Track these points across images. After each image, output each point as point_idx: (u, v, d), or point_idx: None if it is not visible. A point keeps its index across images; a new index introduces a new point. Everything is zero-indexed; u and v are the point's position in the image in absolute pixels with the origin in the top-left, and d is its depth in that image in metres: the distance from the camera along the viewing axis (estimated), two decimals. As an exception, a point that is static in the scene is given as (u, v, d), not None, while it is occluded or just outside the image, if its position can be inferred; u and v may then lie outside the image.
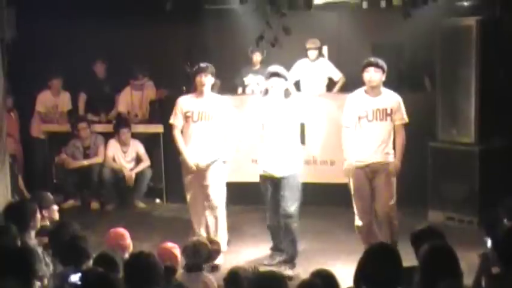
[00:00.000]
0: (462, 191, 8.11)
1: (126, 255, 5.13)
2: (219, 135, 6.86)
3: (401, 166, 6.59)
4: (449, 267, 4.02)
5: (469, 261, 4.97)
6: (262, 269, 5.21)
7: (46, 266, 5.18)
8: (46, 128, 9.84)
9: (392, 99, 6.57)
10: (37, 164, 9.94)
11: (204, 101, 6.87)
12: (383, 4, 9.36)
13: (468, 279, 4.41)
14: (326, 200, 8.42)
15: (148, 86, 9.82)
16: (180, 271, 5.26)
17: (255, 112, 6.71)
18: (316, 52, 9.52)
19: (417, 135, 7.84)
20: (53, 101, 9.96)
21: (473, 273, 4.74)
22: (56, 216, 6.08)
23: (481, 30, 7.97)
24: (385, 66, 6.54)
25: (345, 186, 6.82)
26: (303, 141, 6.95)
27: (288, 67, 8.41)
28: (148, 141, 9.51)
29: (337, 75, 9.55)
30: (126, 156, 9.40)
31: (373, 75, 6.49)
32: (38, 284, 4.70)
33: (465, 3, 8.93)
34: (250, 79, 9.66)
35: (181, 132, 6.96)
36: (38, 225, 5.55)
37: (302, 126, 6.95)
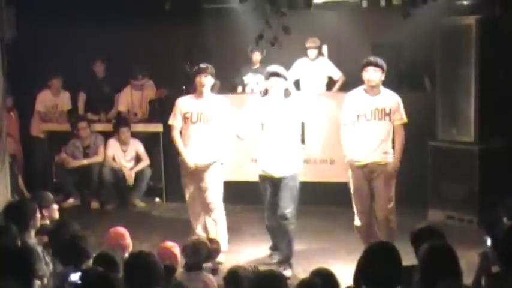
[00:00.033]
0: (462, 190, 8.11)
1: (126, 255, 5.13)
2: (217, 137, 6.83)
3: (400, 166, 6.58)
4: (449, 267, 4.01)
5: (468, 261, 4.97)
6: (261, 268, 5.21)
7: (46, 265, 5.18)
8: (46, 128, 9.85)
9: (391, 99, 6.57)
10: (37, 164, 9.94)
11: (204, 102, 6.85)
12: (383, 3, 9.35)
13: (468, 279, 4.41)
14: (326, 199, 8.43)
15: (149, 86, 9.83)
16: (179, 270, 5.27)
17: (255, 111, 6.69)
18: (315, 51, 9.52)
19: (417, 135, 7.83)
20: (52, 100, 9.97)
21: (473, 272, 4.73)
22: (56, 215, 6.09)
23: (480, 29, 7.97)
24: (384, 65, 6.54)
25: (345, 185, 6.82)
26: (302, 141, 6.95)
27: (288, 66, 8.41)
28: (148, 140, 9.52)
29: (337, 75, 9.55)
30: (125, 156, 9.40)
31: (373, 75, 6.49)
32: (38, 283, 4.70)
33: (465, 2, 8.93)
34: (249, 78, 9.66)
35: (180, 133, 6.95)
36: (38, 224, 5.56)
37: (302, 125, 6.95)
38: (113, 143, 9.41)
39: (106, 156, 9.38)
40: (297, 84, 9.41)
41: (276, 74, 6.59)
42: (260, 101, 6.72)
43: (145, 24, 9.66)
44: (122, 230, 5.66)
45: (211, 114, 6.81)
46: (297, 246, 6.98)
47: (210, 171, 6.83)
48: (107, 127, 9.63)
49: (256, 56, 9.59)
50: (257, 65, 9.61)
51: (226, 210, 7.02)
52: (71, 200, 9.30)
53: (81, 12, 9.49)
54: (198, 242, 5.43)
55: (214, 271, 5.89)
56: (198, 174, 6.85)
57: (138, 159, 9.44)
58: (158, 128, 9.17)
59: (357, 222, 6.68)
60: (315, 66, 9.55)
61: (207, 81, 6.83)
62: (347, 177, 6.74)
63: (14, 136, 9.51)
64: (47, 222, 5.89)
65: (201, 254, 5.30)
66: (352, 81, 7.94)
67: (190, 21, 9.66)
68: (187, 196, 7.03)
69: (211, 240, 5.98)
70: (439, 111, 8.35)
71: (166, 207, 9.13)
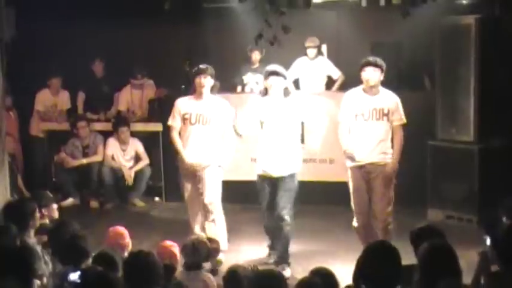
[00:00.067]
0: (461, 189, 8.12)
1: (126, 254, 5.13)
2: (216, 138, 6.80)
3: (399, 166, 6.56)
4: (448, 266, 4.01)
5: (468, 260, 4.97)
6: (261, 267, 5.21)
7: (45, 264, 5.18)
8: (45, 127, 9.85)
9: (390, 100, 6.55)
10: (36, 163, 9.94)
11: (203, 103, 6.82)
12: (382, 2, 9.35)
13: (467, 278, 4.41)
14: (325, 198, 8.43)
15: (148, 85, 9.84)
16: (179, 270, 5.27)
17: (255, 111, 6.69)
18: (315, 50, 9.53)
19: (416, 134, 7.84)
20: (52, 100, 9.97)
21: (472, 271, 4.73)
22: (56, 214, 6.10)
23: (480, 29, 7.97)
24: (383, 65, 6.52)
25: (344, 184, 6.82)
26: (302, 140, 6.94)
27: (287, 65, 8.42)
28: (148, 139, 9.52)
29: (336, 74, 9.55)
30: (125, 155, 9.40)
31: (371, 75, 6.48)
32: (37, 282, 4.70)
33: (464, 2, 8.93)
34: (249, 78, 9.66)
35: (180, 134, 6.93)
36: (37, 224, 5.56)
37: (301, 125, 6.94)
38: (112, 142, 9.41)
39: (105, 156, 9.38)
40: (296, 83, 9.41)
41: (275, 73, 6.59)
42: (260, 100, 6.72)
43: (145, 23, 9.65)
44: (121, 229, 5.66)
45: (210, 115, 6.78)
46: (296, 245, 6.99)
47: (208, 172, 6.80)
48: (106, 126, 9.63)
49: (256, 56, 9.59)
50: (256, 65, 9.61)
51: (226, 210, 7.01)
52: (70, 200, 9.29)
53: (81, 11, 9.49)
54: (198, 241, 5.43)
55: (214, 271, 5.90)
56: (196, 175, 6.83)
57: (137, 158, 9.44)
58: (157, 127, 9.17)
59: (355, 223, 6.68)
60: (315, 66, 9.55)
61: (206, 82, 6.80)
62: (347, 176, 6.73)
63: (13, 135, 9.51)
64: (47, 221, 5.89)
65: (201, 253, 5.30)
66: (351, 81, 7.94)
67: (190, 20, 9.66)
68: (186, 196, 7.03)
69: (211, 240, 5.98)
70: (438, 111, 8.35)
71: (166, 206, 9.13)
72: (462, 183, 8.10)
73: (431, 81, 8.93)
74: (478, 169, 7.99)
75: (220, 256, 6.50)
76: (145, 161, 9.42)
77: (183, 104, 6.89)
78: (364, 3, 9.60)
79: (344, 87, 8.90)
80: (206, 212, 6.85)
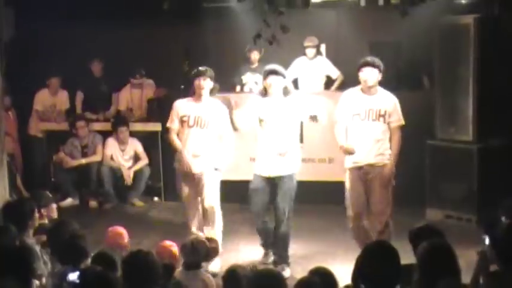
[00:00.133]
0: (460, 189, 8.12)
1: (125, 254, 5.12)
2: (213, 142, 6.74)
3: (398, 166, 6.54)
4: (447, 265, 4.02)
5: (467, 259, 4.97)
6: (260, 267, 5.22)
7: (44, 264, 5.18)
8: (44, 127, 9.85)
9: (388, 101, 6.52)
10: (35, 163, 9.94)
11: (202, 106, 6.75)
12: (381, 2, 9.37)
13: (466, 277, 4.41)
14: (324, 198, 8.43)
15: (148, 85, 9.84)
16: (178, 269, 5.27)
17: (254, 110, 6.67)
18: (314, 50, 9.52)
19: (415, 134, 7.84)
20: (51, 99, 9.97)
21: (471, 271, 4.73)
22: (55, 214, 6.10)
23: (479, 28, 7.98)
24: (381, 65, 6.50)
25: (343, 184, 6.81)
26: (301, 140, 6.94)
27: (286, 65, 8.41)
28: (147, 139, 9.51)
29: (335, 73, 9.55)
30: (124, 155, 9.40)
31: (369, 75, 6.46)
32: (36, 282, 4.69)
33: (463, 1, 8.93)
34: (248, 77, 9.65)
35: (178, 136, 6.88)
36: (36, 224, 5.55)
37: (300, 124, 6.94)
38: (111, 142, 9.41)
39: (104, 156, 9.38)
40: (295, 83, 9.41)
41: (274, 73, 6.58)
42: (259, 100, 6.70)
43: (144, 23, 9.65)
44: (120, 229, 5.67)
45: (209, 118, 6.71)
46: (296, 245, 6.99)
47: (207, 176, 6.74)
48: (106, 126, 9.63)
49: (255, 55, 9.58)
50: (255, 64, 9.60)
51: (224, 210, 7.00)
52: (69, 199, 9.29)
53: (80, 11, 9.49)
54: (197, 241, 5.43)
55: (214, 274, 5.90)
56: (194, 177, 6.77)
57: (136, 158, 9.44)
58: (156, 127, 9.17)
59: (349, 224, 6.69)
60: (313, 65, 9.55)
61: (206, 84, 6.72)
62: (345, 176, 6.73)
63: (12, 135, 9.51)
64: (46, 221, 5.89)
65: (200, 253, 5.30)
66: (350, 80, 7.94)
67: (189, 20, 9.65)
68: (183, 197, 6.96)
69: (210, 240, 5.98)
70: (437, 111, 8.36)
71: (165, 206, 9.13)
72: (461, 182, 8.11)
73: (430, 81, 8.93)
74: (477, 169, 7.99)
75: (216, 264, 6.47)
76: (144, 160, 9.42)
77: (181, 106, 6.82)
78: (363, 2, 9.62)
79: (343, 86, 8.89)
80: (205, 215, 6.82)
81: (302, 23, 9.17)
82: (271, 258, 6.83)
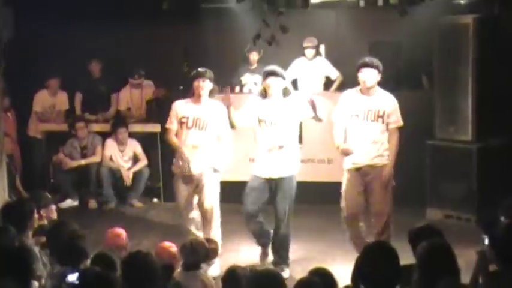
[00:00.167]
0: (460, 189, 8.12)
1: (124, 255, 5.12)
2: (212, 143, 6.71)
3: (396, 166, 6.53)
4: (447, 265, 4.02)
5: (466, 259, 4.97)
6: (259, 267, 5.21)
7: (43, 265, 5.17)
8: (43, 128, 9.86)
9: (387, 101, 6.50)
10: (34, 164, 9.94)
11: (201, 107, 6.71)
12: (380, 2, 9.37)
13: (466, 277, 4.41)
14: (324, 198, 8.42)
15: (147, 85, 9.84)
16: (178, 270, 5.26)
17: (253, 110, 6.65)
18: (313, 51, 9.52)
19: (415, 134, 7.85)
20: (50, 100, 9.97)
21: (471, 270, 4.73)
22: (54, 215, 6.09)
23: (478, 28, 7.98)
24: (380, 65, 6.47)
25: (343, 184, 6.81)
26: (300, 140, 6.93)
27: (285, 66, 8.42)
28: (146, 140, 9.51)
29: (335, 74, 9.55)
30: (123, 156, 9.40)
31: (368, 76, 6.44)
32: (35, 283, 4.69)
33: (462, 1, 8.93)
34: (247, 78, 9.65)
35: (176, 136, 6.84)
36: (35, 224, 5.55)
37: (300, 125, 6.93)
38: (110, 143, 9.41)
39: (104, 157, 9.38)
40: (294, 84, 9.40)
41: (273, 74, 6.56)
42: (259, 101, 6.68)
43: (143, 24, 9.65)
44: (119, 230, 5.67)
45: (208, 120, 6.67)
46: (295, 245, 6.98)
47: (206, 178, 6.70)
48: (105, 127, 9.63)
49: (254, 56, 9.58)
50: (255, 65, 9.59)
51: (224, 210, 6.99)
52: (68, 201, 9.29)
53: (79, 12, 9.48)
54: (196, 241, 5.43)
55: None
56: (193, 178, 6.72)
57: (135, 159, 9.44)
58: (156, 128, 9.17)
59: (344, 225, 6.68)
60: (313, 66, 9.55)
61: (205, 85, 6.68)
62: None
63: (11, 136, 9.50)
64: (45, 222, 5.88)
65: (199, 253, 5.30)
66: (349, 81, 7.94)
67: (188, 21, 9.66)
68: (179, 198, 6.85)
69: (209, 240, 5.97)
70: (437, 110, 8.36)
71: (164, 207, 9.12)
72: (461, 182, 8.11)
73: (429, 81, 8.93)
74: (477, 168, 7.99)
75: (216, 269, 6.44)
76: (143, 161, 9.42)
77: (180, 107, 6.79)
78: (362, 3, 9.61)
79: (342, 87, 8.90)
80: (204, 216, 6.80)
81: (301, 23, 9.18)
82: (269, 256, 6.80)
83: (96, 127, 9.69)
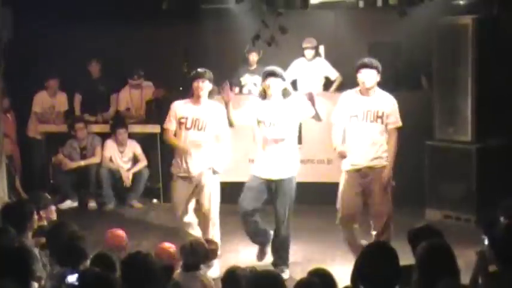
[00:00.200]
0: (459, 189, 8.13)
1: (124, 256, 5.12)
2: (211, 144, 6.70)
3: (395, 167, 6.51)
4: (446, 265, 4.01)
5: (466, 259, 4.97)
6: (259, 268, 5.20)
7: (43, 266, 5.18)
8: (43, 129, 9.85)
9: (386, 102, 6.49)
10: (34, 165, 9.94)
11: (200, 108, 6.69)
12: (379, 3, 9.37)
13: (465, 277, 4.41)
14: (323, 199, 8.42)
15: (147, 86, 9.84)
16: (177, 271, 5.27)
17: (252, 111, 6.65)
18: (312, 51, 9.52)
19: (414, 134, 7.86)
20: (49, 101, 9.97)
21: (470, 271, 4.73)
22: (54, 216, 6.08)
23: (477, 29, 7.99)
24: (379, 66, 6.46)
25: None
26: (299, 141, 6.92)
27: (285, 67, 8.41)
28: (145, 141, 9.52)
29: (334, 75, 9.56)
30: (123, 157, 9.40)
31: (367, 76, 6.43)
32: (35, 284, 4.69)
33: (461, 2, 8.95)
34: (246, 79, 9.65)
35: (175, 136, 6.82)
36: (35, 225, 5.55)
37: (299, 125, 6.92)
38: (110, 144, 9.41)
39: (103, 157, 9.38)
40: (294, 84, 9.40)
41: (273, 74, 6.54)
42: (258, 101, 6.67)
43: (143, 24, 9.66)
44: (119, 231, 5.67)
45: (206, 121, 6.65)
46: (295, 246, 6.98)
47: (206, 179, 6.69)
48: (104, 128, 9.63)
49: (253, 57, 9.58)
50: (254, 66, 9.60)
51: (223, 211, 6.99)
52: (68, 201, 9.29)
53: (78, 12, 9.49)
54: (196, 242, 5.43)
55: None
56: (191, 179, 6.70)
57: (135, 160, 9.44)
58: (155, 129, 9.16)
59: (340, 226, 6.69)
60: (312, 67, 9.55)
61: (204, 86, 6.66)
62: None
63: (11, 137, 9.50)
64: (45, 223, 5.88)
65: (199, 254, 5.30)
66: (349, 82, 7.95)
67: (187, 21, 9.66)
68: (175, 199, 6.82)
69: (209, 241, 5.98)
70: (436, 111, 8.36)
71: (164, 208, 9.11)
72: (460, 183, 8.12)
73: (428, 81, 8.94)
74: (476, 169, 8.00)
75: (215, 270, 6.43)
76: (143, 162, 9.42)
77: (179, 108, 6.77)
78: (361, 3, 9.62)
79: (342, 88, 8.90)
80: (204, 218, 6.79)
81: (301, 24, 9.18)
82: (267, 256, 6.79)
83: (96, 128, 9.69)
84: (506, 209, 5.28)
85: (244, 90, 9.57)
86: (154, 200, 9.46)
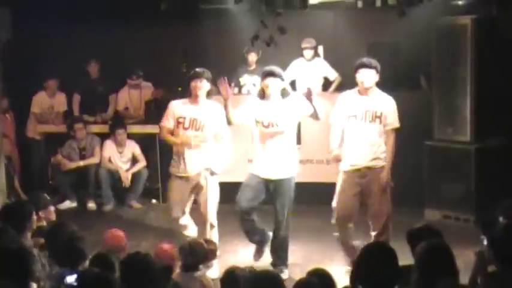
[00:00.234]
0: (458, 189, 8.13)
1: (123, 256, 5.12)
2: (209, 144, 6.69)
3: (393, 168, 6.52)
4: (446, 266, 4.01)
5: (465, 260, 4.98)
6: (258, 269, 5.20)
7: (42, 267, 5.17)
8: (42, 129, 9.85)
9: (384, 103, 6.49)
10: (33, 165, 9.94)
11: (198, 108, 6.68)
12: (378, 3, 9.37)
13: (465, 278, 4.42)
14: (322, 199, 8.40)
15: (146, 87, 9.84)
16: (176, 271, 5.26)
17: (251, 110, 6.64)
18: (311, 52, 9.52)
19: (413, 134, 7.86)
20: (48, 102, 9.97)
21: (469, 271, 4.74)
22: (53, 216, 6.08)
23: (476, 29, 8.00)
24: (378, 66, 6.46)
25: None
26: (298, 141, 6.91)
27: (284, 67, 8.41)
28: (144, 141, 9.52)
29: (333, 75, 9.56)
30: (122, 157, 9.40)
31: (366, 76, 6.43)
32: (34, 285, 4.69)
33: (460, 2, 8.95)
34: (245, 79, 9.65)
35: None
36: (34, 226, 5.55)
37: (298, 125, 6.92)
38: (109, 144, 9.41)
39: (102, 158, 9.38)
40: (293, 85, 9.40)
41: (272, 74, 6.53)
42: (257, 101, 6.66)
43: (141, 24, 9.65)
44: (118, 231, 5.67)
45: (204, 121, 6.64)
46: (294, 246, 6.98)
47: (203, 178, 6.68)
48: (103, 128, 9.63)
49: (252, 57, 9.58)
50: (253, 66, 9.60)
51: (222, 211, 7.00)
52: (67, 202, 9.29)
53: (77, 12, 9.48)
54: (195, 242, 5.44)
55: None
56: (189, 179, 6.69)
57: (134, 160, 9.44)
58: (154, 129, 9.13)
59: (335, 233, 6.68)
60: (311, 67, 9.55)
61: (202, 85, 6.64)
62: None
63: (10, 137, 9.50)
64: (44, 224, 5.88)
65: (198, 254, 5.30)
66: (348, 82, 7.95)
67: (186, 21, 9.65)
68: (171, 198, 6.80)
69: (208, 241, 5.98)
70: (435, 111, 8.37)
71: (163, 208, 9.07)
72: (459, 183, 8.12)
73: (427, 82, 8.94)
74: (475, 169, 8.00)
75: (215, 271, 6.40)
76: (142, 163, 9.42)
77: (177, 107, 6.75)
78: (360, 4, 9.62)
79: (341, 88, 8.90)
80: (202, 219, 6.78)
81: (300, 24, 9.18)
82: (264, 257, 6.78)
83: (95, 128, 9.69)
84: (505, 209, 5.29)
85: (243, 90, 9.57)
86: (154, 201, 9.46)
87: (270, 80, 6.53)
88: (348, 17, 9.81)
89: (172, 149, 6.88)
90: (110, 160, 9.38)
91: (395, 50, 9.17)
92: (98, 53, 9.89)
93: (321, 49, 9.86)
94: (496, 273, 4.16)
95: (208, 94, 6.83)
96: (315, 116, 6.52)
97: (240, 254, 7.16)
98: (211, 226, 6.79)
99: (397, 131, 6.52)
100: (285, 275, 6.43)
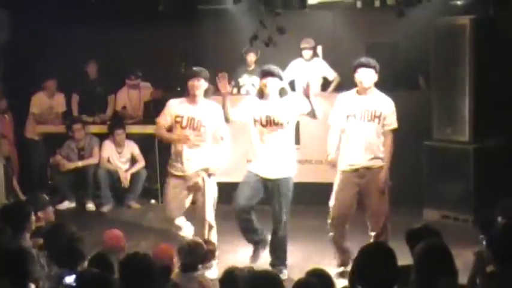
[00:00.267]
0: (457, 189, 8.14)
1: (122, 256, 5.12)
2: (207, 144, 6.68)
3: (391, 169, 6.52)
4: (444, 266, 4.02)
5: (464, 260, 4.98)
6: (257, 269, 5.21)
7: (41, 267, 5.17)
8: (41, 130, 9.85)
9: (383, 103, 6.49)
10: (32, 166, 9.94)
11: (196, 107, 6.67)
12: (377, 4, 9.38)
13: (463, 278, 4.42)
14: (321, 199, 8.39)
15: (145, 87, 9.84)
16: (175, 271, 5.26)
17: (249, 109, 6.62)
18: (310, 52, 9.53)
19: (412, 134, 7.86)
20: (47, 102, 9.96)
21: (468, 271, 4.74)
22: (52, 217, 6.08)
23: (475, 29, 8.00)
24: (377, 65, 6.46)
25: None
26: (297, 141, 6.90)
27: (283, 67, 8.40)
28: (143, 142, 9.51)
29: (332, 75, 9.56)
30: (121, 157, 9.41)
31: (365, 76, 6.42)
32: (32, 286, 4.69)
33: (459, 2, 8.96)
34: (245, 79, 9.65)
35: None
36: (33, 227, 5.54)
37: (296, 125, 6.92)
38: (108, 144, 9.41)
39: (101, 158, 9.38)
40: (292, 85, 9.40)
41: (270, 74, 6.53)
42: (256, 100, 6.66)
43: (140, 25, 9.65)
44: (117, 231, 5.67)
45: (202, 120, 6.64)
46: (292, 246, 6.99)
47: (201, 178, 6.68)
48: (102, 129, 9.63)
49: (251, 57, 9.58)
50: (252, 66, 9.60)
51: (221, 211, 7.00)
52: (66, 202, 9.29)
53: (76, 13, 9.48)
54: (194, 243, 5.44)
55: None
56: (186, 178, 6.69)
57: (133, 160, 9.44)
58: (153, 130, 9.14)
59: (330, 233, 6.66)
60: (310, 67, 9.55)
61: (200, 85, 6.63)
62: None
63: (8, 138, 9.50)
64: (43, 224, 5.87)
65: (197, 255, 5.30)
66: (347, 82, 7.95)
67: (185, 22, 9.66)
68: (167, 197, 6.79)
69: (207, 242, 5.98)
70: (434, 111, 8.37)
71: (162, 208, 9.05)
72: (458, 183, 8.12)
73: (426, 82, 8.95)
74: (474, 169, 8.01)
75: (214, 272, 6.41)
76: (141, 163, 9.42)
77: (175, 106, 6.75)
78: (359, 4, 9.63)
79: (340, 88, 8.91)
80: (200, 219, 6.78)
81: (298, 24, 9.18)
82: (260, 259, 6.78)
83: (94, 129, 9.69)
84: (504, 209, 5.29)
85: (243, 90, 9.58)
86: (153, 201, 9.46)
87: (268, 79, 6.52)
88: (346, 17, 9.82)
89: (170, 149, 6.88)
90: (108, 160, 9.38)
91: (394, 50, 9.17)
92: (96, 54, 9.89)
93: (319, 49, 9.86)
94: (494, 273, 4.16)
95: (206, 93, 6.82)
96: (312, 114, 6.50)
97: (239, 254, 7.16)
98: (210, 227, 6.79)
99: (395, 132, 6.51)
100: (284, 275, 6.43)
